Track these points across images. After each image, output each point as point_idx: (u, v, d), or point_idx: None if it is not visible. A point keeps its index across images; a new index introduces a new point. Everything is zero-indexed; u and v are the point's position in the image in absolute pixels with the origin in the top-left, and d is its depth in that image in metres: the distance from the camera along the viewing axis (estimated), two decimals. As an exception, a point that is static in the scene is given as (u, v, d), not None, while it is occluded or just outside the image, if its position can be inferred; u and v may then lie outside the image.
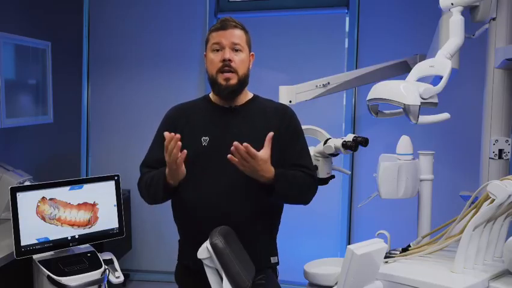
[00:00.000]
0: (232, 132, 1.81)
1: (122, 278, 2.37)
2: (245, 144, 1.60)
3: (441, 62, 1.83)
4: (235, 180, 1.77)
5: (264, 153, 1.65)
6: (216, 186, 1.77)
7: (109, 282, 2.33)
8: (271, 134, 1.68)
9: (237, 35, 1.80)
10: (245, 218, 1.77)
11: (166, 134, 1.63)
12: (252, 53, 1.88)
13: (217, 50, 1.79)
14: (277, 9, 3.47)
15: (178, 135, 1.62)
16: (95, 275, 2.26)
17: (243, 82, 1.83)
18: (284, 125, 1.85)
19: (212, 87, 1.85)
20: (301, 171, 1.82)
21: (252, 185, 1.77)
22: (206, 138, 1.81)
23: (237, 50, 1.79)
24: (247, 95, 1.90)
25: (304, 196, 1.84)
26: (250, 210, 1.77)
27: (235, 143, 1.61)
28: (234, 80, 1.79)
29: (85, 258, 2.33)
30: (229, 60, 1.77)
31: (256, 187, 1.78)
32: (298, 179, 1.79)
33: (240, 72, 1.80)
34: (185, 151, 1.63)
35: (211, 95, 1.91)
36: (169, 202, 1.89)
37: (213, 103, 1.89)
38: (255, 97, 1.93)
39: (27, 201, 2.25)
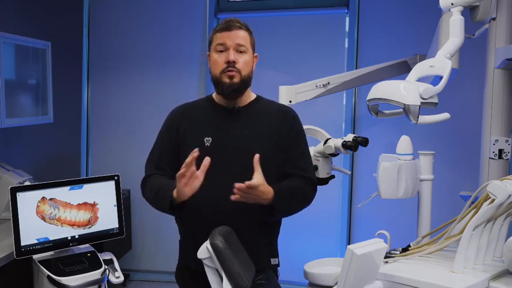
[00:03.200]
0: (234, 133, 1.81)
1: (122, 278, 2.37)
2: (247, 183, 1.61)
3: (441, 62, 1.83)
4: (237, 181, 1.76)
5: (259, 178, 1.65)
6: (217, 186, 1.77)
7: (109, 282, 2.34)
8: (257, 156, 1.67)
9: (241, 36, 1.79)
10: (246, 219, 1.77)
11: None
12: (255, 54, 1.87)
13: (221, 51, 1.79)
14: (277, 9, 3.46)
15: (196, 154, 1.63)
16: (95, 275, 2.26)
17: (246, 82, 1.82)
18: (286, 127, 1.85)
19: (215, 86, 1.84)
20: (299, 178, 1.82)
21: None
22: (209, 138, 1.81)
23: (241, 52, 1.79)
24: (250, 95, 1.90)
25: (303, 206, 1.85)
26: (251, 210, 1.77)
27: (238, 185, 1.61)
28: (237, 79, 1.78)
29: (85, 258, 2.34)
30: (234, 62, 1.77)
31: None
32: (297, 191, 1.80)
33: (244, 73, 1.80)
34: (195, 153, 1.64)
35: (214, 96, 1.91)
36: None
37: (216, 103, 1.89)
38: (258, 98, 1.93)
39: (27, 201, 2.25)
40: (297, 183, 1.81)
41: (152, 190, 1.81)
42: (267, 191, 1.69)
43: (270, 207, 1.72)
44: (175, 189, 1.69)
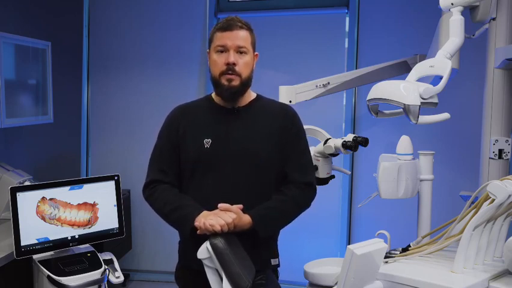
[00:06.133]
0: (235, 135, 1.80)
1: (122, 278, 2.37)
2: (227, 221, 1.63)
3: (441, 62, 1.83)
4: (237, 182, 1.77)
5: (230, 216, 1.66)
6: (217, 187, 1.77)
7: (109, 282, 2.34)
8: (240, 206, 1.70)
9: (242, 37, 1.77)
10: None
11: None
12: (256, 53, 1.86)
13: (221, 52, 1.77)
14: (277, 9, 3.47)
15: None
16: (95, 275, 2.26)
17: (245, 84, 1.81)
18: (286, 126, 1.84)
19: (215, 87, 1.83)
20: (291, 187, 1.80)
21: (253, 187, 1.77)
22: (208, 140, 1.79)
23: (241, 53, 1.77)
24: (250, 95, 1.89)
25: (294, 217, 1.84)
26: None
27: (222, 222, 1.63)
28: (236, 82, 1.77)
29: (85, 258, 2.34)
30: (234, 64, 1.75)
31: (258, 189, 1.78)
32: (280, 211, 1.78)
33: (244, 75, 1.78)
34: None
35: (213, 95, 1.89)
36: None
37: (216, 104, 1.87)
38: (258, 97, 1.91)
39: (27, 201, 2.25)
40: (281, 199, 1.78)
41: (166, 205, 1.79)
42: (244, 222, 1.69)
43: (253, 231, 1.72)
44: (196, 218, 1.68)
